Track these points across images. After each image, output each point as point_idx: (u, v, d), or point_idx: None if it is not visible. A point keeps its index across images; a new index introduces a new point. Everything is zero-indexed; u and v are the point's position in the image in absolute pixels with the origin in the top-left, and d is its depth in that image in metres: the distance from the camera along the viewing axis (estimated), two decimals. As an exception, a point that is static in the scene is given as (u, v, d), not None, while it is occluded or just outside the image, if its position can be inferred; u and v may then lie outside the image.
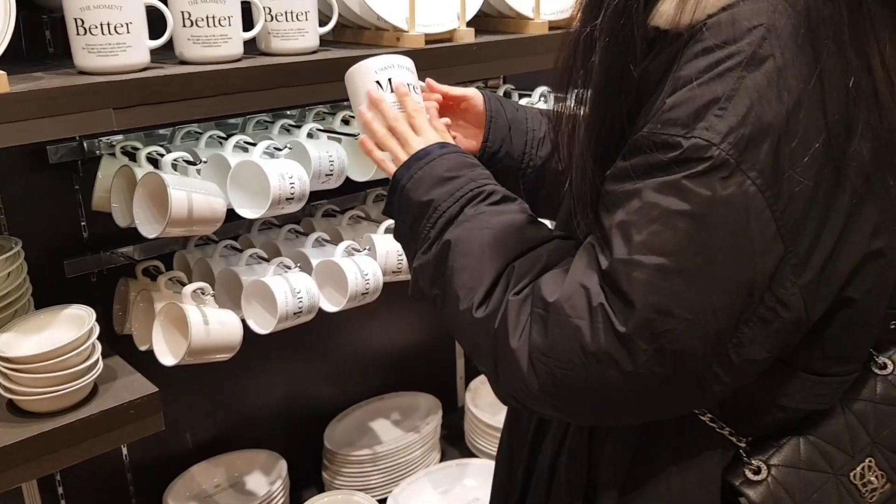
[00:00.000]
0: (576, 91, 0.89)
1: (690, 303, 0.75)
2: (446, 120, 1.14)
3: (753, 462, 0.91)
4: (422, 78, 1.18)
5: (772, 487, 0.90)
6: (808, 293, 0.78)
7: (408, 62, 1.14)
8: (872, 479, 0.94)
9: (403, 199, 0.98)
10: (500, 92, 1.90)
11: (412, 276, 0.98)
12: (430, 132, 1.06)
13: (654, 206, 0.76)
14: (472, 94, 1.21)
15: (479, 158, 1.15)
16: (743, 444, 0.92)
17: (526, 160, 1.19)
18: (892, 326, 0.97)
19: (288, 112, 1.70)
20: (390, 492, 1.96)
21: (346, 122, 1.67)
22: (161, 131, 1.57)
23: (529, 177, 1.20)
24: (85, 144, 1.51)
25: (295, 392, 2.07)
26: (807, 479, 0.91)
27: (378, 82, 1.10)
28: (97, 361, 1.27)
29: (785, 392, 0.89)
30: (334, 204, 1.84)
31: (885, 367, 0.95)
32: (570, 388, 0.79)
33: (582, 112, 0.89)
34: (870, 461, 0.94)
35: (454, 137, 1.14)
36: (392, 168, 1.04)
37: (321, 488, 2.01)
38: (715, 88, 0.74)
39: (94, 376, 1.27)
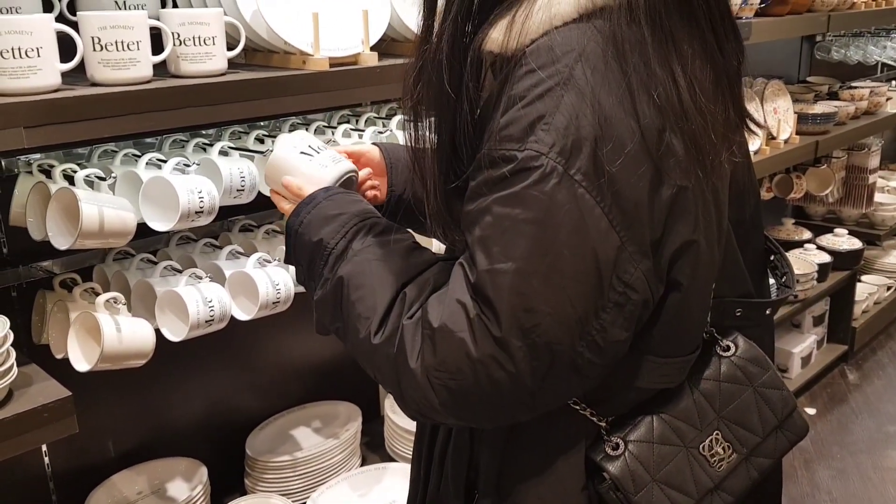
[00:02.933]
0: (419, 120, 0.98)
1: (549, 298, 0.83)
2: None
3: (613, 439, 1.00)
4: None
5: (629, 461, 0.99)
6: (650, 276, 0.87)
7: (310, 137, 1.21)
8: (719, 450, 1.03)
9: (298, 243, 1.05)
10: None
11: (315, 313, 1.03)
12: None
13: (505, 218, 0.84)
14: (369, 149, 1.27)
15: (387, 203, 1.23)
16: (604, 424, 1.00)
17: None
18: (738, 314, 1.09)
19: (204, 132, 1.76)
20: (310, 496, 2.01)
21: (260, 140, 1.74)
22: (79, 150, 1.62)
23: None
24: (3, 163, 1.55)
25: (217, 402, 2.11)
26: (660, 453, 1.00)
27: (304, 153, 1.16)
28: (11, 367, 1.31)
29: (636, 374, 0.98)
30: (252, 219, 1.89)
31: (728, 349, 1.05)
32: (466, 397, 0.87)
33: (428, 139, 0.98)
34: (717, 434, 1.03)
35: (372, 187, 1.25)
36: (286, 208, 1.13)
37: (244, 495, 2.06)
38: (539, 107, 0.83)
39: (9, 382, 1.31)
